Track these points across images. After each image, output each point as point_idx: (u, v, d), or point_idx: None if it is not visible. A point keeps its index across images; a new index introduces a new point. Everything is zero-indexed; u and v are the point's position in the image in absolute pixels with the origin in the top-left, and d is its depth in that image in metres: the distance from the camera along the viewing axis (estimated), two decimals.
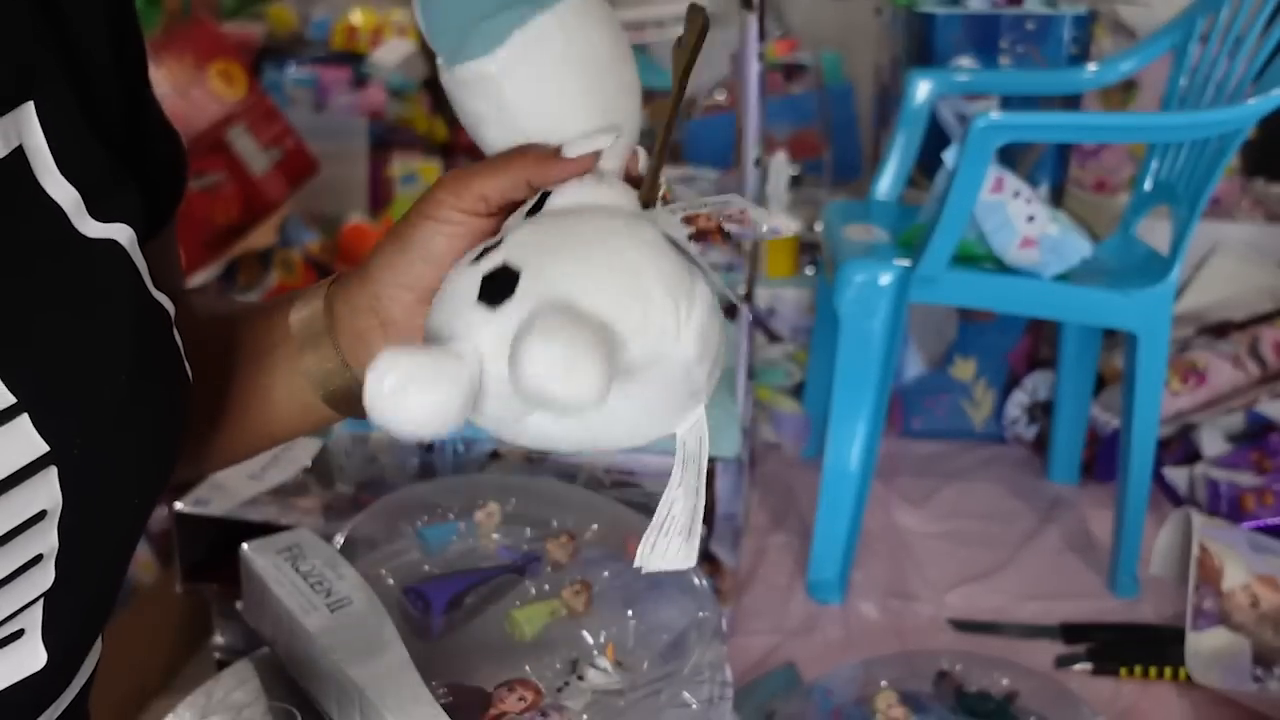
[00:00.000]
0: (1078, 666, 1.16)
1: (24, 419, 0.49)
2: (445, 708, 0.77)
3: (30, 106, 0.51)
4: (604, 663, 0.84)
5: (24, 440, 0.49)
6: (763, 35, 1.19)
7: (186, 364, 0.60)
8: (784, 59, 2.47)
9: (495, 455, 1.25)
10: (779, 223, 0.57)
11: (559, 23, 0.56)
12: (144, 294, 0.56)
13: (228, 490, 1.20)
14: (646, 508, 1.16)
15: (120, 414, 0.53)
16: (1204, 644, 1.12)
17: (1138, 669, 1.15)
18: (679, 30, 0.58)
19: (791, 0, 2.69)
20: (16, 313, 0.49)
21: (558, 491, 1.07)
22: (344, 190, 2.41)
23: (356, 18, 2.83)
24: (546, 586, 0.93)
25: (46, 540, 0.51)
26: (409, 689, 0.77)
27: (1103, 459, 1.51)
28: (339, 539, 0.95)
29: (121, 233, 0.54)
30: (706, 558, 1.22)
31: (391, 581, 0.93)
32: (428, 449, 1.25)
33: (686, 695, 0.82)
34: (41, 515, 0.50)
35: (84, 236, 0.53)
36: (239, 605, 0.93)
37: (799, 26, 2.66)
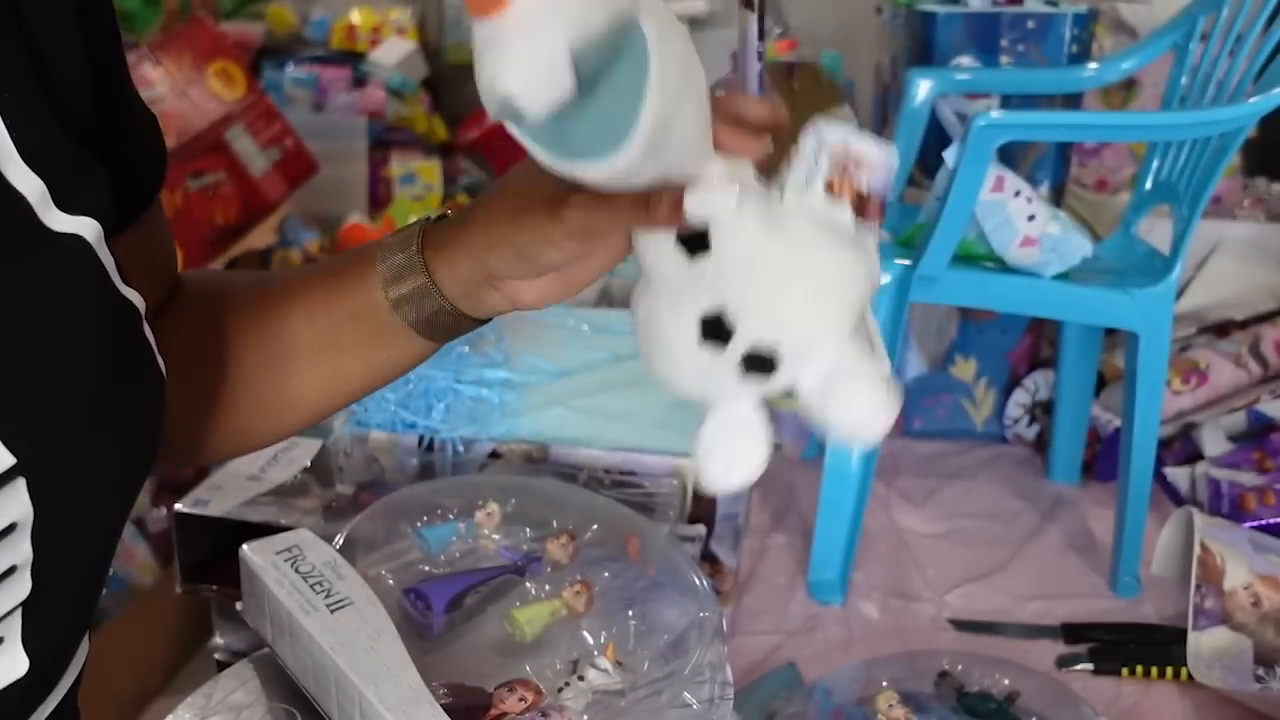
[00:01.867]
0: (1079, 666, 1.16)
1: None
2: (445, 708, 0.76)
3: None
4: (604, 663, 0.84)
5: None
6: (763, 35, 1.19)
7: (160, 360, 0.58)
8: (784, 58, 2.47)
9: (495, 455, 1.25)
10: (883, 153, 0.58)
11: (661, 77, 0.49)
12: (111, 291, 0.54)
13: (227, 491, 1.19)
14: (646, 507, 1.17)
15: (90, 419, 0.51)
16: (1205, 644, 1.11)
17: (1139, 669, 1.15)
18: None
19: (791, 0, 2.69)
20: None
21: (558, 491, 1.07)
22: (343, 190, 2.41)
23: (355, 17, 2.83)
24: (547, 587, 0.92)
25: (19, 551, 0.49)
26: (409, 689, 0.77)
27: (1103, 459, 1.50)
28: (339, 539, 0.95)
29: (88, 228, 0.52)
30: (707, 558, 1.22)
31: (391, 582, 0.93)
32: (428, 449, 1.25)
33: (687, 695, 0.82)
34: (11, 528, 0.49)
35: (49, 230, 0.51)
36: (239, 606, 0.93)
37: (799, 26, 2.66)
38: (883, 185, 0.57)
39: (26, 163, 0.50)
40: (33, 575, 0.50)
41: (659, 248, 0.58)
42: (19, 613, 0.51)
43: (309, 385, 0.71)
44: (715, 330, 0.58)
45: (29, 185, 0.50)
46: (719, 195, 0.55)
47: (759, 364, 0.58)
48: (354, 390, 0.73)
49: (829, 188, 0.57)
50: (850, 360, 0.58)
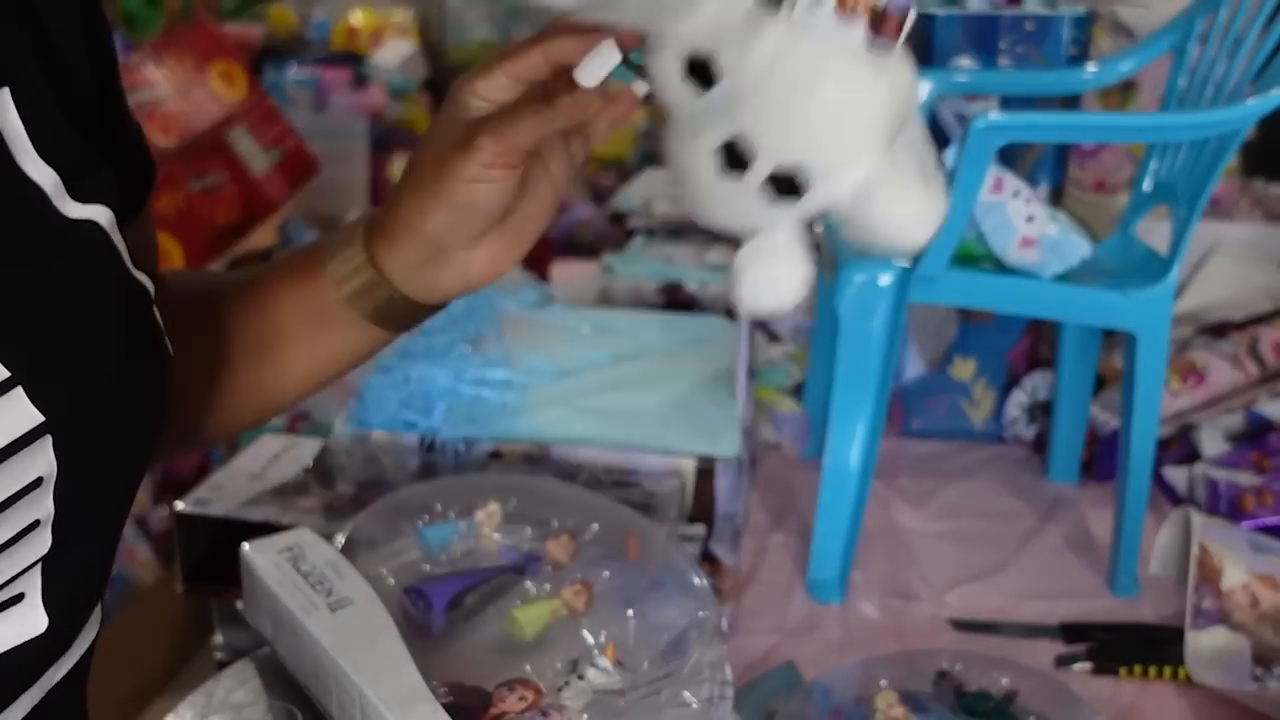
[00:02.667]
0: (1077, 666, 1.16)
1: (18, 391, 0.51)
2: (446, 707, 0.77)
3: (5, 93, 0.52)
4: (604, 662, 0.84)
5: (19, 411, 0.51)
6: None
7: (168, 341, 0.62)
8: None
9: (496, 455, 1.26)
10: None
11: None
12: (125, 273, 0.58)
13: (228, 490, 1.20)
14: (646, 507, 1.17)
15: (109, 385, 0.55)
16: (1203, 643, 1.12)
17: (1137, 668, 1.15)
18: None
19: None
20: (6, 290, 0.51)
21: (558, 491, 1.07)
22: (344, 191, 2.41)
23: (357, 18, 2.83)
24: (547, 586, 0.93)
25: (43, 506, 0.53)
26: (409, 689, 0.77)
27: (1102, 459, 1.51)
28: (339, 539, 0.95)
29: (101, 214, 0.56)
30: (706, 558, 1.22)
31: (392, 581, 0.93)
32: (429, 449, 1.25)
33: (687, 695, 0.82)
34: (38, 482, 0.52)
35: (65, 217, 0.54)
36: (240, 605, 0.93)
37: None
38: (901, 2, 0.56)
39: (40, 155, 0.53)
40: (54, 531, 0.54)
41: (671, 83, 0.58)
42: (39, 569, 0.54)
43: (294, 366, 0.74)
44: (733, 159, 0.57)
45: (43, 175, 0.53)
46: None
47: (785, 186, 0.57)
48: (325, 374, 0.75)
49: (840, 4, 0.56)
50: (886, 171, 0.57)
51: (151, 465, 0.63)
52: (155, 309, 0.61)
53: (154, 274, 0.74)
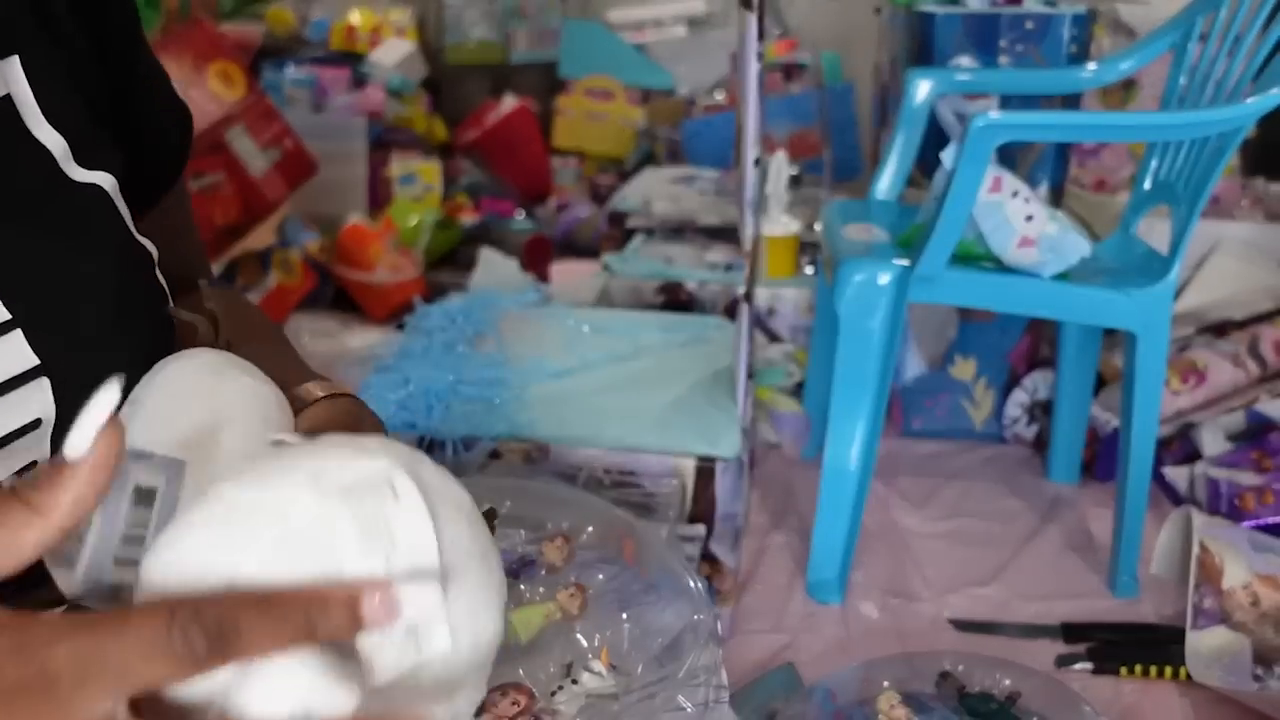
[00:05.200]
0: (1078, 666, 1.16)
1: (17, 334, 0.54)
2: None
3: (15, 60, 0.57)
4: (598, 666, 0.84)
5: (17, 352, 0.54)
6: (762, 35, 1.19)
7: (171, 303, 0.65)
8: (783, 58, 2.47)
9: (495, 455, 1.25)
10: None
11: None
12: (126, 233, 0.62)
13: None
14: (646, 507, 1.17)
15: (105, 337, 0.59)
16: (1204, 643, 1.11)
17: (1138, 669, 1.14)
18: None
19: (791, 0, 2.69)
20: (12, 243, 0.55)
21: (554, 493, 1.07)
22: (343, 191, 2.40)
23: (355, 18, 2.83)
24: (541, 589, 0.92)
25: (40, 449, 0.56)
26: None
27: (1103, 458, 1.50)
28: None
29: (105, 180, 0.60)
30: (706, 558, 1.22)
31: None
32: (428, 449, 1.25)
33: (681, 699, 0.82)
34: (36, 424, 0.55)
35: (72, 180, 0.59)
36: None
37: (798, 26, 2.66)
38: None
39: (49, 121, 0.58)
40: None
41: None
42: None
43: None
44: None
45: (53, 141, 0.58)
46: None
47: None
48: None
49: None
50: None
51: None
52: (158, 273, 0.64)
53: (200, 264, 0.76)
